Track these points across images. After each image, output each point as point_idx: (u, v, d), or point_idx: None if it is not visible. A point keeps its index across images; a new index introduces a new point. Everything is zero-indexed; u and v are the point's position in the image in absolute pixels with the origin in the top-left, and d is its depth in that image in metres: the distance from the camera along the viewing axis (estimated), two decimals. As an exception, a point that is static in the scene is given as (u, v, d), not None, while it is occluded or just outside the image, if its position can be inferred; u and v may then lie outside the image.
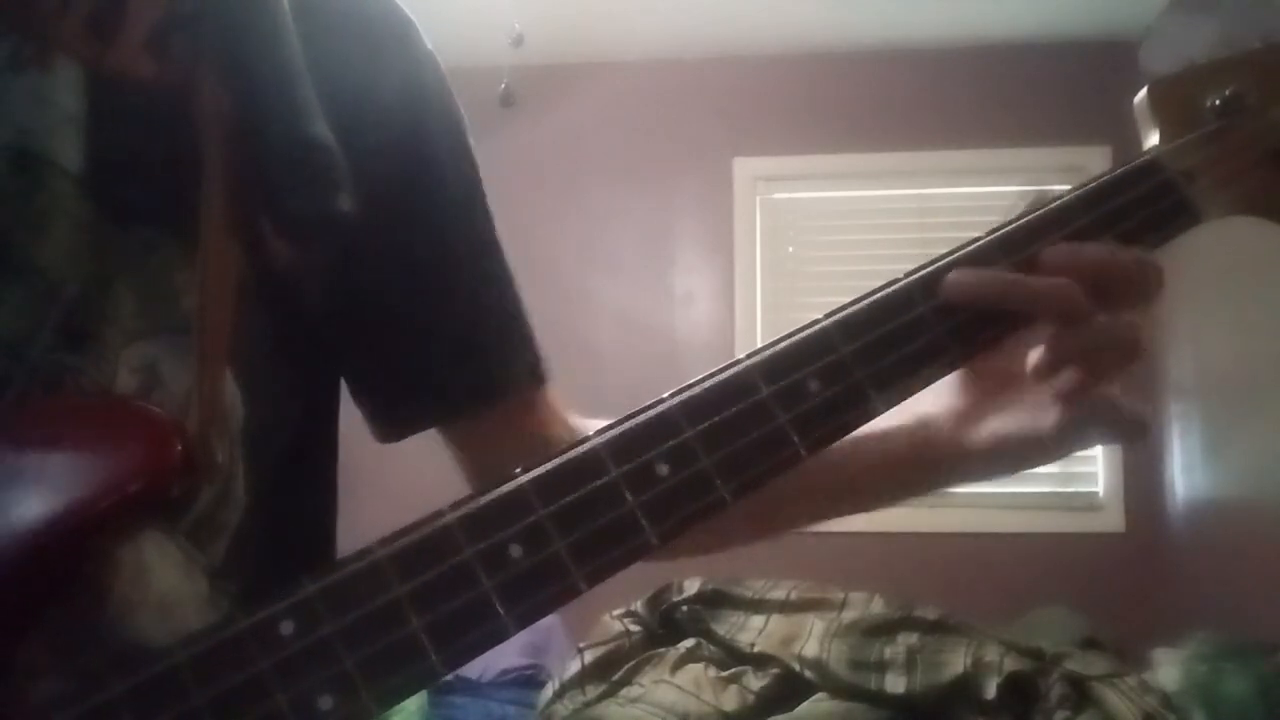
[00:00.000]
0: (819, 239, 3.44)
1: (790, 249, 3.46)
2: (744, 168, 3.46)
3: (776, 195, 3.48)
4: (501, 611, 0.46)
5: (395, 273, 0.67)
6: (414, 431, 0.71)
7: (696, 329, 3.42)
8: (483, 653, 0.46)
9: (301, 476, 0.66)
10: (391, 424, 0.71)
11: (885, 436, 0.63)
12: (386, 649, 0.45)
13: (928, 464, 0.63)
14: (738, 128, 3.47)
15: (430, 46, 0.70)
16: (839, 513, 0.69)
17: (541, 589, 0.47)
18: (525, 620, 0.46)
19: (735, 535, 0.71)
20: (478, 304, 0.70)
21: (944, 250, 0.56)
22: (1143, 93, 0.60)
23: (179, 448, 0.49)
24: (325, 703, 0.44)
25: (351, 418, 0.71)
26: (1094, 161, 3.11)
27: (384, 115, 0.65)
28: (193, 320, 0.55)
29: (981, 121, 3.34)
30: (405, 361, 0.69)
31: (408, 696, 0.45)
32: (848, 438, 0.63)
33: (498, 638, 0.46)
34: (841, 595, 2.58)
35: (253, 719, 0.44)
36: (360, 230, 0.62)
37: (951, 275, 0.54)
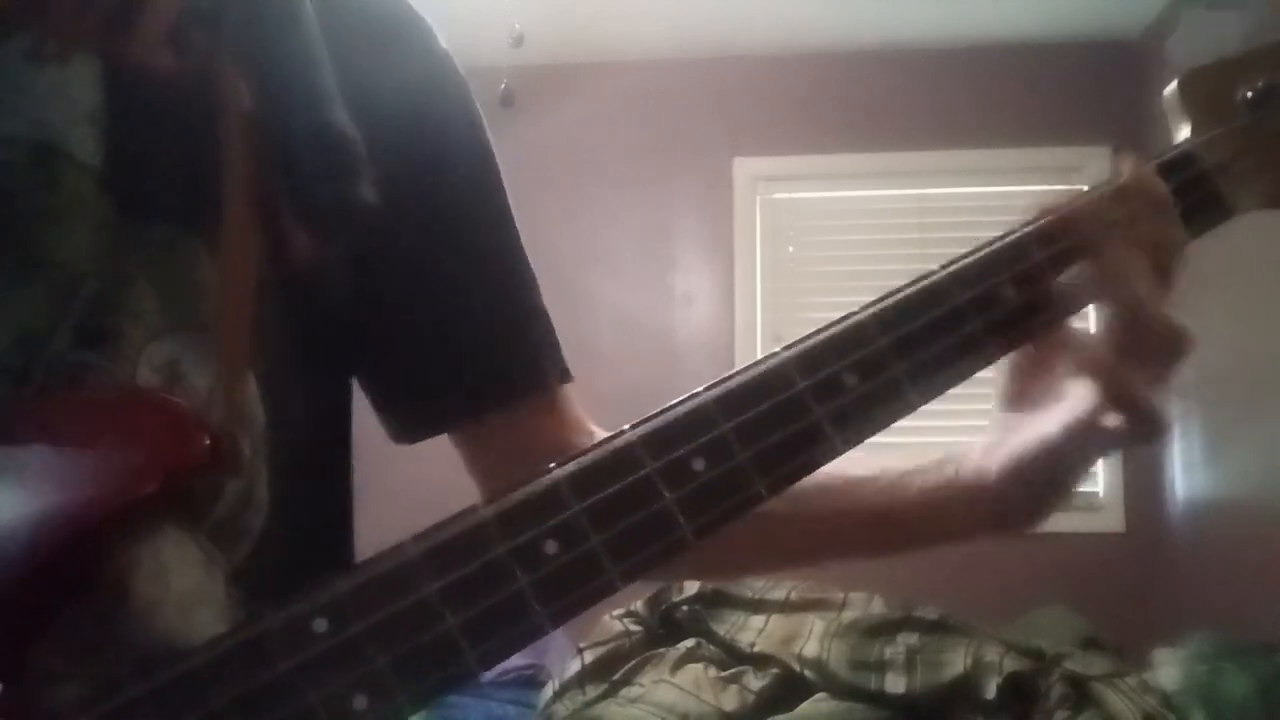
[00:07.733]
0: (819, 239, 3.43)
1: (790, 249, 3.46)
2: (744, 168, 3.46)
3: (776, 195, 3.48)
4: (538, 608, 0.45)
5: (413, 271, 0.66)
6: (433, 434, 0.70)
7: (696, 329, 3.41)
8: (516, 652, 0.45)
9: (320, 480, 0.65)
10: (409, 425, 0.70)
11: (896, 479, 0.65)
12: (422, 647, 0.44)
13: (947, 501, 0.64)
14: (738, 128, 3.47)
15: (446, 47, 0.69)
16: (844, 557, 0.70)
17: (577, 586, 0.46)
18: (560, 618, 0.46)
19: (755, 565, 0.71)
20: (496, 302, 0.69)
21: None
22: (1173, 85, 0.59)
23: (205, 442, 0.48)
24: (360, 702, 0.43)
25: (359, 419, 0.70)
26: (1094, 162, 3.11)
27: (401, 112, 0.65)
28: (213, 317, 0.55)
29: (981, 121, 3.34)
30: (423, 362, 0.68)
31: (443, 696, 0.44)
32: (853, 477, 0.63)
33: (532, 636, 0.45)
34: (841, 595, 2.59)
35: (283, 718, 0.43)
36: (379, 228, 0.61)
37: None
